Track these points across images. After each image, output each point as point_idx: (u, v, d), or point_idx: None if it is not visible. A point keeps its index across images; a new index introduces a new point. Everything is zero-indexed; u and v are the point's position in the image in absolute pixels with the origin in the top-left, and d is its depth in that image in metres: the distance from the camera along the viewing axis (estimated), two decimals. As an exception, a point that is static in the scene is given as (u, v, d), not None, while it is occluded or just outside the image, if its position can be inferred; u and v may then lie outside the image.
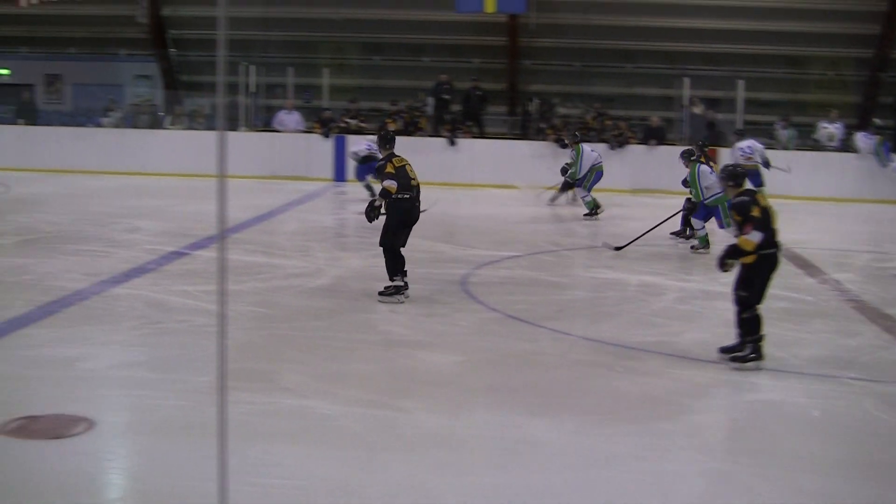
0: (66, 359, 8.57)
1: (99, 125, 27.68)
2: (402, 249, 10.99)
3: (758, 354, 8.89)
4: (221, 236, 4.46)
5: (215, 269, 4.30)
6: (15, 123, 26.87)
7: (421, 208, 11.01)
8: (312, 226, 17.57)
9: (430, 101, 26.23)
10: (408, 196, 10.90)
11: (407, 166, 11.08)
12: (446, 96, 26.03)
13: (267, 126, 26.52)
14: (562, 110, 26.37)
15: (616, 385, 8.50)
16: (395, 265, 10.93)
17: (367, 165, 19.26)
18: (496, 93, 27.48)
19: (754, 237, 8.60)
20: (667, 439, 7.20)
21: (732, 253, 8.85)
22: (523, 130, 26.27)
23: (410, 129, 25.15)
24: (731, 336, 9.15)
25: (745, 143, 21.69)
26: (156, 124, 27.34)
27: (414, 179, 11.04)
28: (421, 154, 23.24)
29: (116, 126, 27.37)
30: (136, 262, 13.12)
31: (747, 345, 8.93)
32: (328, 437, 6.92)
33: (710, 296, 12.22)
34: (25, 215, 17.42)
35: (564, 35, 27.46)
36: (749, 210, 8.70)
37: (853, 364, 9.41)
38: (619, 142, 24.52)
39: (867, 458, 7.06)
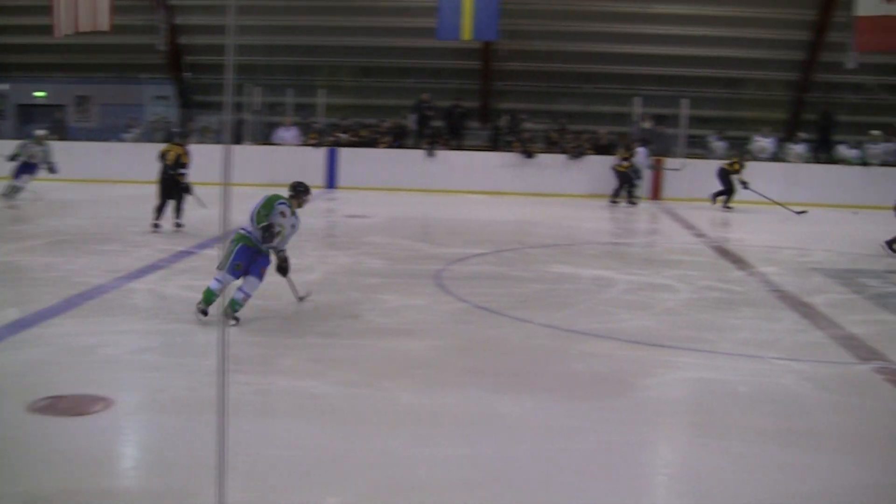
0: (87, 345, 8.54)
1: (121, 140, 27.68)
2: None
3: None
4: (224, 237, 4.47)
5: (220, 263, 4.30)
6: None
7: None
8: (305, 227, 17.44)
9: (413, 117, 26.28)
10: None
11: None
12: (427, 113, 26.09)
13: (268, 140, 26.51)
14: (529, 125, 26.39)
15: (571, 366, 8.52)
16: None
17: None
18: (471, 110, 27.55)
19: None
20: (616, 413, 7.23)
21: None
22: (494, 143, 26.31)
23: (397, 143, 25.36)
24: (672, 322, 9.18)
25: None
26: (170, 139, 27.27)
27: None
28: (403, 164, 23.39)
29: (136, 141, 27.37)
30: (150, 259, 13.08)
31: None
32: (317, 414, 6.93)
33: (654, 287, 12.26)
34: (55, 219, 17.36)
35: (532, 59, 27.55)
36: None
37: (775, 345, 9.47)
38: (576, 153, 24.57)
39: (788, 426, 7.11)
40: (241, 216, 9.34)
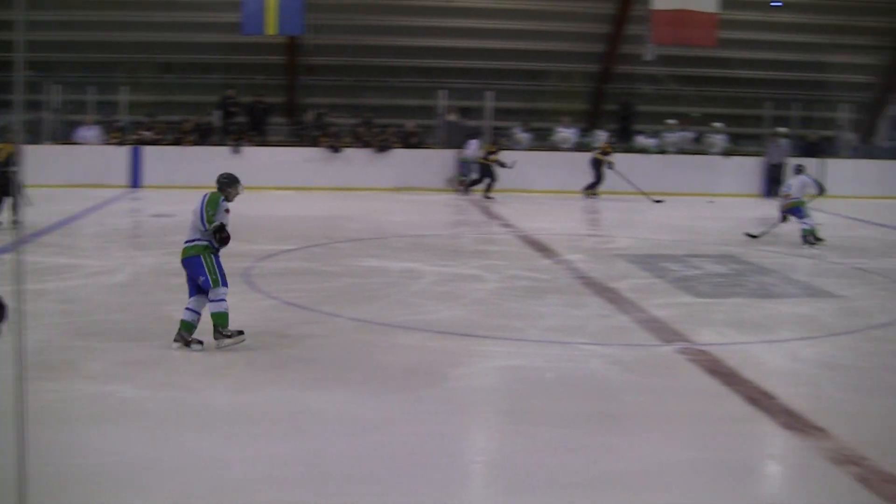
0: None
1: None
2: None
3: None
4: (18, 241, 4.29)
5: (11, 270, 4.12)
6: None
7: None
8: (110, 228, 17.02)
9: (218, 114, 25.81)
10: None
11: None
12: (232, 109, 25.67)
13: (69, 140, 25.57)
14: (335, 120, 26.26)
15: (382, 359, 8.53)
16: None
17: None
18: (276, 105, 27.24)
19: None
20: (429, 404, 7.27)
21: None
22: (300, 138, 26.07)
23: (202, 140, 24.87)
24: (482, 311, 9.28)
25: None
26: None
27: None
28: (208, 161, 22.94)
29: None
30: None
31: None
32: (127, 418, 6.73)
33: (463, 278, 12.37)
34: None
35: (337, 54, 27.40)
36: None
37: (582, 331, 9.71)
38: (382, 147, 24.61)
39: (597, 409, 7.30)
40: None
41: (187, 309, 8.69)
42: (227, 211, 8.91)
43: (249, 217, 19.05)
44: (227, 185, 9.04)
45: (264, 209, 19.97)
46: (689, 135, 26.16)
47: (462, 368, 8.27)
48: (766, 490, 6.26)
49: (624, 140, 26.21)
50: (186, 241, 8.84)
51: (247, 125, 25.64)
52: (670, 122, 26.19)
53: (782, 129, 25.76)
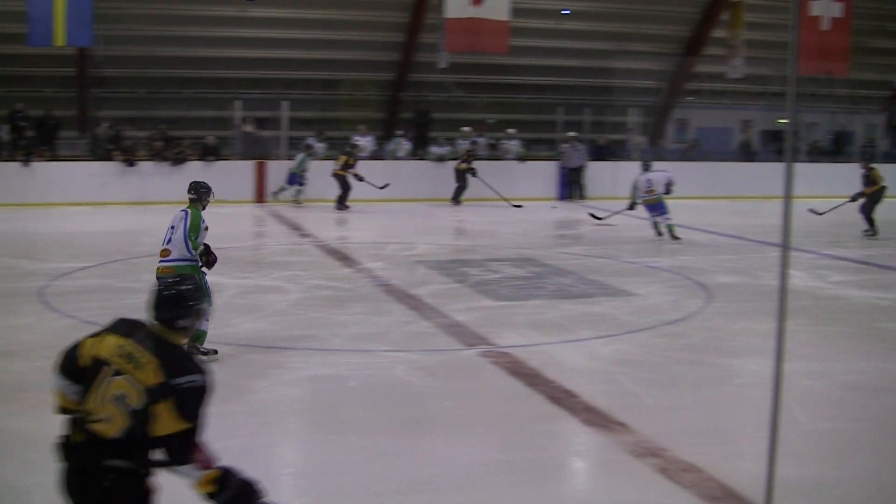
0: None
1: None
2: None
3: None
4: None
5: None
6: None
7: None
8: None
9: (6, 128, 24.76)
10: None
11: None
12: (21, 123, 24.66)
13: None
14: (130, 133, 25.56)
15: (183, 375, 8.32)
16: None
17: None
18: (68, 119, 26.32)
19: None
20: (233, 419, 7.12)
21: None
22: (94, 152, 25.28)
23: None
24: (284, 323, 9.16)
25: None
26: None
27: None
28: (-4, 179, 21.97)
29: None
30: None
31: None
32: None
33: (264, 290, 12.24)
34: None
35: (129, 65, 26.70)
36: None
37: (385, 338, 9.73)
38: (178, 159, 24.10)
39: (402, 415, 7.33)
40: None
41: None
42: (206, 228, 8.94)
43: (42, 234, 18.47)
44: (207, 193, 9.19)
45: (57, 226, 19.34)
46: (483, 141, 26.56)
47: (266, 381, 8.16)
48: (572, 486, 6.40)
49: (420, 147, 26.42)
50: (172, 260, 8.74)
51: (37, 140, 24.69)
52: (465, 129, 26.52)
53: (573, 134, 26.42)
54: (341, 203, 22.58)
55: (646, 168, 18.04)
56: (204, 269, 8.87)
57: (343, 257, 15.10)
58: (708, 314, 11.25)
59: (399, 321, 10.58)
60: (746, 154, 29.67)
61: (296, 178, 23.50)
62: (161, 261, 8.78)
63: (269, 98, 26.20)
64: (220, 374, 8.25)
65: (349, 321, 10.49)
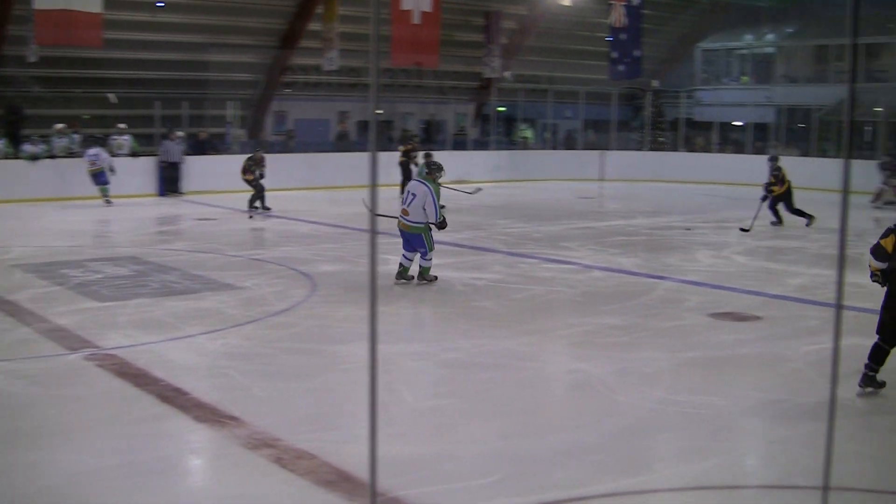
0: None
1: None
2: None
3: None
4: None
5: None
6: None
7: None
8: None
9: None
10: None
11: None
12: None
13: None
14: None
15: None
16: None
17: None
18: None
19: None
20: None
21: None
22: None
23: None
24: None
25: (93, 150, 22.89)
26: None
27: None
28: None
29: None
30: None
31: None
32: None
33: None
34: None
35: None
36: None
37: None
38: None
39: (7, 427, 7.03)
40: None
41: (405, 258, 12.62)
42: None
43: None
44: (438, 169, 12.83)
45: None
46: (79, 137, 25.52)
47: None
48: (190, 484, 6.36)
49: (14, 146, 25.03)
50: (410, 221, 12.33)
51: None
52: (59, 126, 25.35)
53: (169, 129, 25.99)
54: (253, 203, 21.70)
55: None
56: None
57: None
58: (313, 303, 11.50)
59: (-4, 329, 10.06)
60: (343, 144, 30.43)
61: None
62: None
63: None
64: None
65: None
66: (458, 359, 9.12)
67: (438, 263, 13.89)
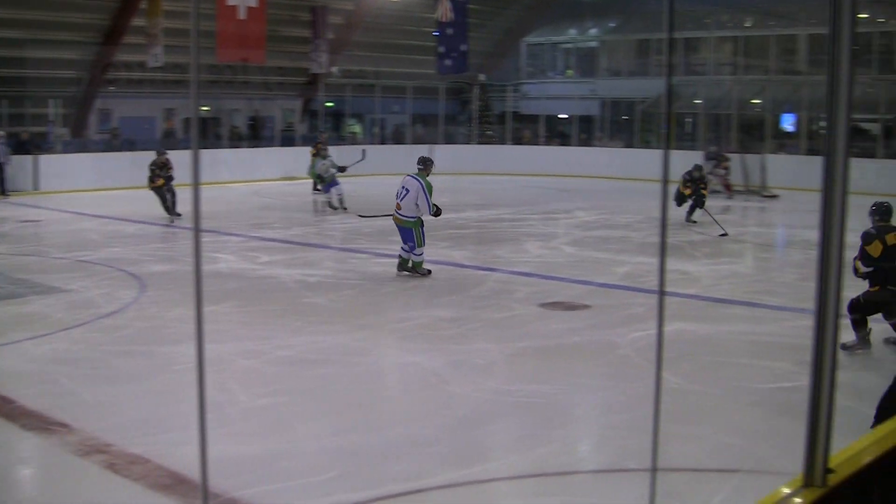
0: None
1: None
2: None
3: None
4: None
5: None
6: None
7: None
8: None
9: None
10: None
11: None
12: None
13: None
14: None
15: None
16: None
17: None
18: None
19: None
20: None
21: None
22: None
23: None
24: None
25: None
26: None
27: None
28: None
29: None
30: None
31: None
32: None
33: None
34: None
35: None
36: None
37: None
38: None
39: None
40: None
41: (403, 250, 13.17)
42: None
43: None
44: (431, 163, 13.52)
45: None
46: None
47: None
48: (19, 496, 6.19)
49: None
50: (402, 215, 13.03)
51: None
52: None
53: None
54: None
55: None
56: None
57: None
58: (142, 304, 11.32)
59: None
60: (170, 142, 29.86)
61: None
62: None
63: None
64: None
65: None
66: (291, 356, 9.13)
67: (268, 261, 13.83)
